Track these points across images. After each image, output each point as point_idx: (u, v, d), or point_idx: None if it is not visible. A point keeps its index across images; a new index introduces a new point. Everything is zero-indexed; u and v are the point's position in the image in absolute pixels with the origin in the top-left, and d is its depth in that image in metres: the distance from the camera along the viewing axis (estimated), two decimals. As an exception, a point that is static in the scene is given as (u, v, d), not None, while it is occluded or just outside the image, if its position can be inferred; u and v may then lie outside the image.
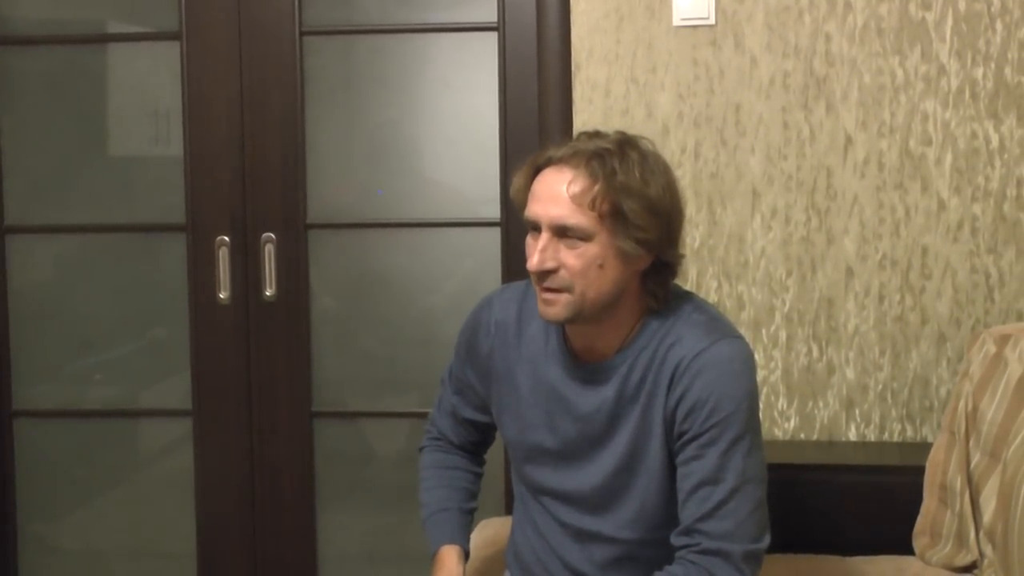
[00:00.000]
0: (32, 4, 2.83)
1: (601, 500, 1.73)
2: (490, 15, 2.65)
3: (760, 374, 2.47)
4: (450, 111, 2.76)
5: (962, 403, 2.13)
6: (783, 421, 2.51)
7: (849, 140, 2.44)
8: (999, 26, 2.38)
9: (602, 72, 2.49)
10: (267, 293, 2.74)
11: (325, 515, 2.82)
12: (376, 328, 2.82)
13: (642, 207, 1.60)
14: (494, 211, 2.71)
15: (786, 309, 2.49)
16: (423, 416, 2.13)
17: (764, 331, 2.49)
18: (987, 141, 2.40)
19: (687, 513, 1.62)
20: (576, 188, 1.60)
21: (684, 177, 2.46)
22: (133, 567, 2.96)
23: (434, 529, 1.88)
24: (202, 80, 2.72)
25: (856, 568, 2.14)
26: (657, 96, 2.48)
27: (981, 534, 2.04)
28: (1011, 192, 2.40)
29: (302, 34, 2.70)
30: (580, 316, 1.65)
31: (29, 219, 2.86)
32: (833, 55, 2.42)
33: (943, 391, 2.46)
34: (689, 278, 2.48)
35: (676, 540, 1.64)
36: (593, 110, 2.50)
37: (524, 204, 1.67)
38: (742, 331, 1.82)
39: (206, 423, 2.80)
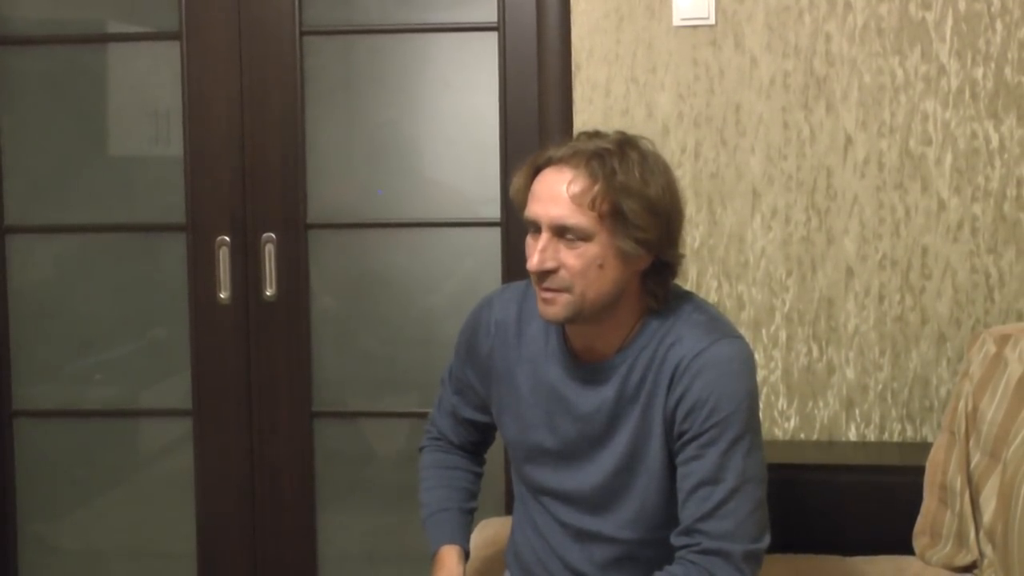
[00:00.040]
0: (32, 4, 2.83)
1: (601, 500, 1.73)
2: (490, 15, 2.65)
3: (760, 374, 2.47)
4: (450, 111, 2.76)
5: (962, 403, 2.13)
6: (783, 421, 2.51)
7: (849, 140, 2.44)
8: (999, 26, 2.38)
9: (602, 72, 2.49)
10: (267, 293, 2.74)
11: (325, 515, 2.82)
12: (376, 328, 2.82)
13: (642, 207, 1.60)
14: (494, 211, 2.71)
15: (786, 309, 2.49)
16: (423, 416, 2.13)
17: (764, 331, 2.49)
18: (987, 141, 2.40)
19: (687, 513, 1.62)
20: (576, 188, 1.60)
21: (684, 177, 2.46)
22: (133, 567, 2.96)
23: (434, 529, 1.88)
24: (202, 80, 2.72)
25: (856, 568, 2.14)
26: (657, 96, 2.48)
27: (981, 534, 2.04)
28: (1011, 192, 2.40)
29: (302, 34, 2.70)
30: (580, 316, 1.65)
31: (29, 219, 2.86)
32: (833, 55, 2.42)
33: (943, 391, 2.46)
34: (689, 278, 2.48)
35: (676, 540, 1.64)
36: (593, 110, 2.50)
37: (524, 204, 1.67)
38: (742, 331, 1.82)
39: (206, 423, 2.80)
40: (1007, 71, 2.38)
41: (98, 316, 2.88)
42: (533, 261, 1.63)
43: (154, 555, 2.93)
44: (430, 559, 1.86)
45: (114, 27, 2.85)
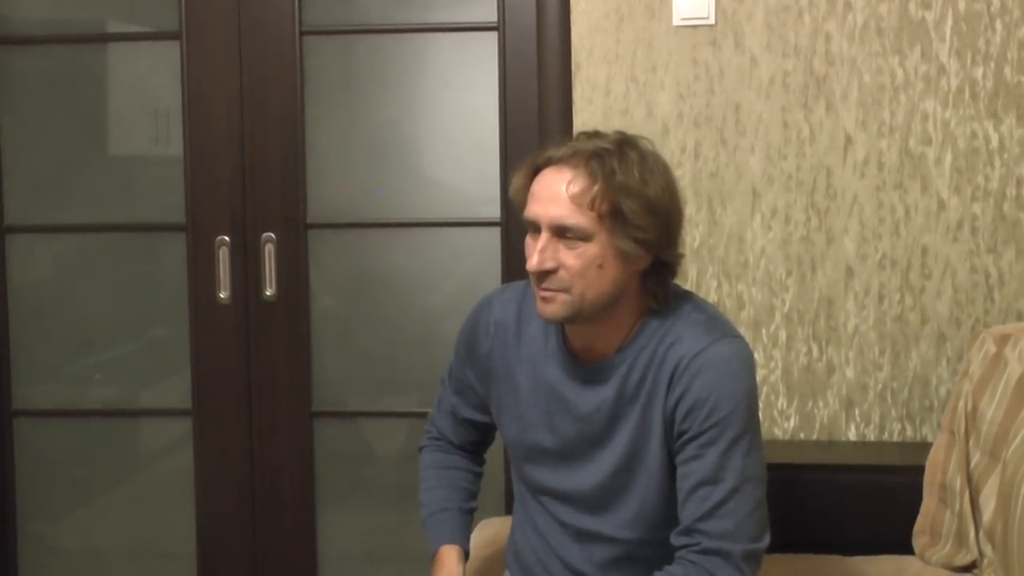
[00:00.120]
0: (32, 4, 2.83)
1: (601, 500, 1.73)
2: (490, 15, 2.65)
3: (760, 374, 2.47)
4: (450, 111, 2.76)
5: (962, 403, 2.13)
6: (783, 421, 2.51)
7: (849, 140, 2.44)
8: (999, 26, 2.38)
9: (602, 72, 2.49)
10: (267, 293, 2.74)
11: (325, 515, 2.82)
12: (376, 328, 2.82)
13: (641, 207, 1.60)
14: (494, 211, 2.71)
15: (786, 309, 2.48)
16: (423, 416, 2.13)
17: (764, 331, 2.49)
18: (987, 141, 2.40)
19: (687, 513, 1.62)
20: (575, 188, 1.60)
21: (684, 177, 2.46)
22: (133, 567, 2.96)
23: (434, 529, 1.88)
24: (202, 80, 2.72)
25: (856, 568, 2.14)
26: (657, 96, 2.48)
27: (981, 534, 2.04)
28: (1011, 192, 2.40)
29: (302, 34, 2.70)
30: (579, 316, 1.65)
31: (29, 219, 2.86)
32: (833, 55, 2.42)
33: (943, 391, 2.46)
34: (689, 278, 2.48)
35: (676, 540, 1.64)
36: (593, 110, 2.50)
37: (523, 204, 1.67)
38: (742, 331, 1.82)
39: (206, 423, 2.80)
40: (1007, 71, 2.38)
41: (98, 316, 2.88)
42: (532, 261, 1.63)
43: (154, 555, 2.93)
44: (430, 559, 1.86)
45: (114, 27, 2.85)
